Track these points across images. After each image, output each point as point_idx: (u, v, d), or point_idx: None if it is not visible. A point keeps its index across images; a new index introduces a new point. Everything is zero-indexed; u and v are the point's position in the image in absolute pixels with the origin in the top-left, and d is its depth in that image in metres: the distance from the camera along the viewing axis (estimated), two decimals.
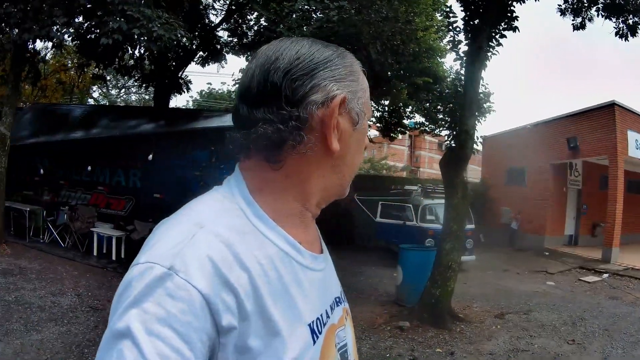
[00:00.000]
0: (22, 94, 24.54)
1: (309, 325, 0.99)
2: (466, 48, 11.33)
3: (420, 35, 16.31)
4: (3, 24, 12.62)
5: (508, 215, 23.78)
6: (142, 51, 14.26)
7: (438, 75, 18.82)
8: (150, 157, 13.17)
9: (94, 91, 38.96)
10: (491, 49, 10.74)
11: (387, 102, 21.58)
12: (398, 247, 12.85)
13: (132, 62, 18.32)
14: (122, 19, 10.49)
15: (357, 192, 20.56)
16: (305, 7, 14.33)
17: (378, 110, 22.55)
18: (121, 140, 14.16)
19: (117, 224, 13.67)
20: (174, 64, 20.78)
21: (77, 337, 6.97)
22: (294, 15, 14.37)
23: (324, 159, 1.05)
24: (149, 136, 13.81)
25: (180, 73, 22.08)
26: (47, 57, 21.86)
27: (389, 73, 17.23)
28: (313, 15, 14.72)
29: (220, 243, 0.91)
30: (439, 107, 20.24)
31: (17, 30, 11.70)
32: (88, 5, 11.32)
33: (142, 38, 11.18)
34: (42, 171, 15.72)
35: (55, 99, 28.85)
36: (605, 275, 15.65)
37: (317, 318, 1.03)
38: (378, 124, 22.95)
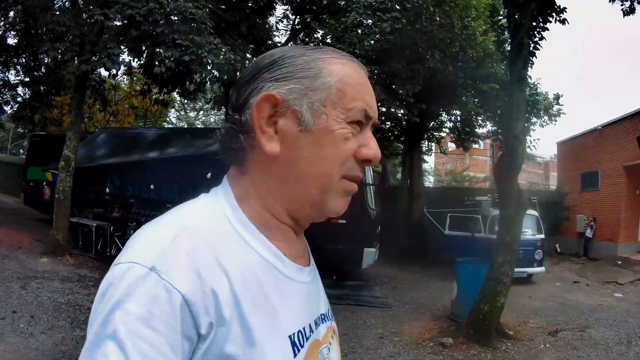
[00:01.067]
0: (91, 120, 26.23)
1: (290, 337, 0.98)
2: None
3: (480, 40, 15.99)
4: (64, 57, 13.80)
5: (583, 223, 22.85)
6: (203, 76, 14.79)
7: (505, 81, 18.44)
8: (209, 175, 13.55)
9: (170, 114, 40.66)
10: (534, 44, 10.28)
11: (458, 112, 21.37)
12: None
13: (192, 86, 18.98)
14: (174, 48, 11.22)
15: (427, 206, 20.50)
16: (358, 20, 14.37)
17: (450, 121, 22.45)
18: (186, 160, 14.69)
19: None
20: None
21: None
22: (354, 31, 14.68)
23: (272, 165, 1.03)
24: (212, 155, 14.23)
25: None
26: (119, 83, 22.81)
27: (453, 81, 17.16)
28: (369, 29, 14.88)
29: (203, 246, 0.92)
30: None
31: (76, 62, 12.66)
32: (140, 36, 12.16)
33: (194, 65, 11.77)
34: (108, 190, 16.58)
35: (128, 123, 30.48)
36: None
37: (299, 331, 1.01)
38: (451, 134, 23.08)
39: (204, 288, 0.87)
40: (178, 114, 42.48)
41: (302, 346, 1.00)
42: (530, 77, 24.07)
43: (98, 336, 0.81)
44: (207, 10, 12.22)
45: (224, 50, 11.98)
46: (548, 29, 10.44)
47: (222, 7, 14.99)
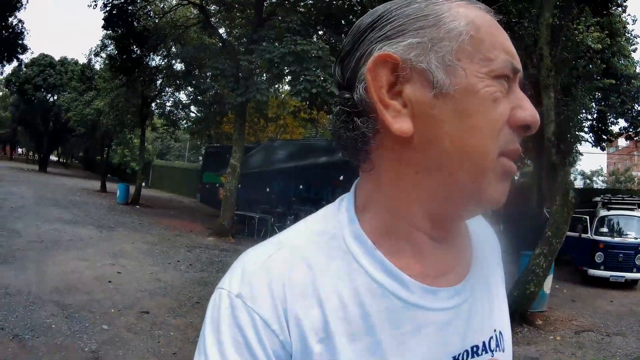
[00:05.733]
0: (264, 131, 30.99)
1: None
2: None
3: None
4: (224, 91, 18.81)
5: None
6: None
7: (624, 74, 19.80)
8: (341, 177, 17.25)
9: None
10: None
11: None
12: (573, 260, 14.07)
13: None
14: (306, 82, 15.08)
15: (547, 205, 21.09)
16: None
17: (587, 120, 22.93)
18: (333, 165, 18.14)
19: None
20: None
21: None
22: None
23: (403, 151, 0.79)
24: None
25: None
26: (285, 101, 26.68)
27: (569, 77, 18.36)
28: None
29: (300, 266, 0.81)
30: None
31: (233, 94, 17.17)
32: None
33: (322, 95, 15.46)
34: (272, 190, 21.07)
35: (299, 134, 35.34)
36: None
37: None
38: (590, 134, 23.22)
39: (288, 316, 0.77)
40: None
41: None
42: None
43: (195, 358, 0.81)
44: (327, 47, 15.95)
45: None
46: None
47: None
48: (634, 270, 14.51)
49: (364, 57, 0.79)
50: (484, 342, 0.87)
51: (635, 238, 15.15)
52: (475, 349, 0.85)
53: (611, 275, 14.44)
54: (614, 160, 52.58)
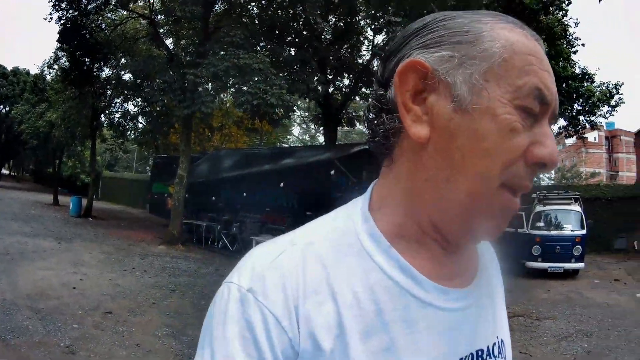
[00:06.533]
0: (209, 141, 32.40)
1: None
2: None
3: None
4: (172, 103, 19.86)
5: None
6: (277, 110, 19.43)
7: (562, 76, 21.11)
8: (281, 184, 18.56)
9: (282, 135, 46.65)
10: None
11: None
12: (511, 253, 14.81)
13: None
14: (248, 94, 16.31)
15: None
16: None
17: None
18: (276, 172, 19.15)
19: (277, 236, 18.06)
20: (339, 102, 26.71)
21: (199, 285, 11.82)
22: None
23: (420, 155, 0.83)
24: (290, 170, 18.74)
25: (344, 110, 27.31)
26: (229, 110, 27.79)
27: None
28: None
29: (314, 263, 0.83)
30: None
31: (180, 106, 18.28)
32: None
33: (262, 106, 16.64)
34: (218, 198, 21.66)
35: (243, 142, 36.51)
36: None
37: None
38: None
39: (299, 313, 0.79)
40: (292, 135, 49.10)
41: None
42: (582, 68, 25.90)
43: (199, 352, 0.83)
44: (268, 61, 17.10)
45: (283, 92, 16.84)
46: None
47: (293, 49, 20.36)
48: (572, 260, 15.62)
49: (402, 60, 0.83)
50: (488, 347, 0.91)
51: (572, 231, 16.33)
52: (480, 352, 0.89)
53: (549, 267, 15.60)
54: (562, 157, 53.83)
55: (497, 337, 0.95)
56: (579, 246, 15.84)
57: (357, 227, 0.87)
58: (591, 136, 52.13)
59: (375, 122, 0.87)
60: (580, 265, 15.91)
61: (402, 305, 0.82)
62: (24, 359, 6.28)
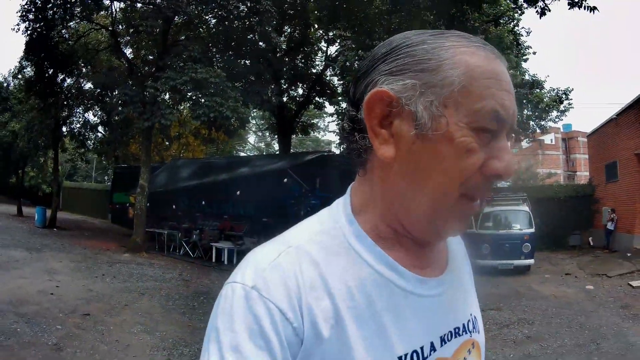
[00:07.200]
0: (167, 151, 33.11)
1: (400, 357, 0.92)
2: None
3: None
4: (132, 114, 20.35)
5: (606, 216, 22.69)
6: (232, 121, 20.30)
7: None
8: (238, 192, 19.63)
9: (238, 144, 47.70)
10: None
11: None
12: None
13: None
14: (204, 107, 17.23)
15: None
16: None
17: None
18: (232, 182, 19.74)
19: (235, 242, 19.35)
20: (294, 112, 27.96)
21: (165, 289, 12.68)
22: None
23: (388, 171, 0.95)
24: (244, 179, 19.48)
25: (298, 118, 29.00)
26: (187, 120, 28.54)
27: None
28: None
29: (308, 263, 0.92)
30: None
31: (141, 119, 19.11)
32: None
33: (218, 119, 17.79)
34: (178, 207, 22.60)
35: (200, 151, 37.01)
36: None
37: (415, 351, 0.94)
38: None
39: (302, 305, 0.87)
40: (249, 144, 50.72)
41: None
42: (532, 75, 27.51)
43: (205, 348, 0.87)
44: (224, 75, 17.83)
45: (238, 105, 17.79)
46: None
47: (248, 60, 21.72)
48: (522, 257, 16.54)
49: (371, 84, 0.92)
50: (463, 324, 1.05)
51: (520, 229, 17.34)
52: (457, 329, 1.03)
53: (499, 264, 16.40)
54: (518, 160, 54.79)
55: (471, 315, 1.10)
56: (528, 244, 16.73)
57: (344, 230, 0.98)
58: (547, 138, 54.31)
59: (349, 139, 0.98)
60: (530, 261, 16.81)
61: (388, 294, 0.94)
62: (18, 357, 6.89)
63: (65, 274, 12.72)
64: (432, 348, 0.96)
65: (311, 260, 0.92)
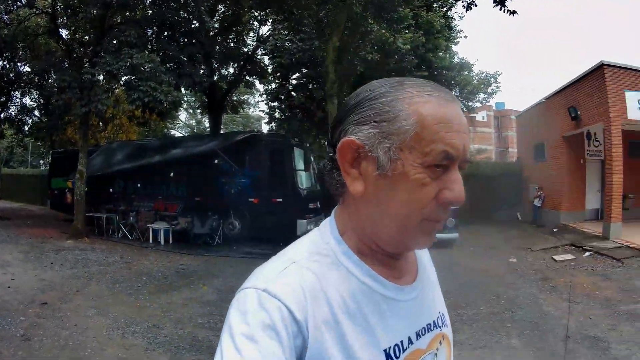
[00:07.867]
0: (102, 133, 33.86)
1: (385, 350, 1.10)
2: None
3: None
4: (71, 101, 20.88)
5: (533, 193, 24.06)
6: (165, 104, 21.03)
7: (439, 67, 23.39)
8: (171, 174, 20.20)
9: (172, 125, 48.98)
10: None
11: None
12: None
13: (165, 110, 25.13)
14: (139, 91, 17.77)
15: None
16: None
17: None
18: (166, 164, 20.31)
19: (170, 222, 20.06)
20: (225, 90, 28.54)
21: (110, 272, 13.08)
22: None
23: (360, 202, 1.13)
24: (178, 160, 20.10)
25: (228, 98, 29.53)
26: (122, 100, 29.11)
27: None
28: None
29: (309, 276, 1.08)
30: None
31: (78, 104, 19.39)
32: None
33: (152, 103, 18.43)
34: (114, 190, 22.66)
35: (133, 132, 37.20)
36: (588, 253, 15.17)
37: (396, 344, 1.13)
38: None
39: (307, 310, 1.03)
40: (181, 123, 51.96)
41: (397, 357, 1.12)
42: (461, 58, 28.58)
43: (219, 343, 1.00)
44: (158, 60, 18.35)
45: (171, 89, 18.53)
46: None
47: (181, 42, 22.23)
48: (445, 231, 15.84)
49: (343, 132, 1.10)
50: (434, 321, 1.26)
51: None
52: (429, 325, 1.23)
53: None
54: None
55: (439, 312, 1.32)
56: (452, 219, 16.52)
57: (334, 249, 1.16)
58: (480, 116, 56.89)
59: (330, 175, 1.18)
60: (454, 235, 16.76)
61: (374, 301, 1.13)
62: None
63: (17, 266, 13.28)
64: (410, 341, 1.17)
65: (312, 274, 1.09)
